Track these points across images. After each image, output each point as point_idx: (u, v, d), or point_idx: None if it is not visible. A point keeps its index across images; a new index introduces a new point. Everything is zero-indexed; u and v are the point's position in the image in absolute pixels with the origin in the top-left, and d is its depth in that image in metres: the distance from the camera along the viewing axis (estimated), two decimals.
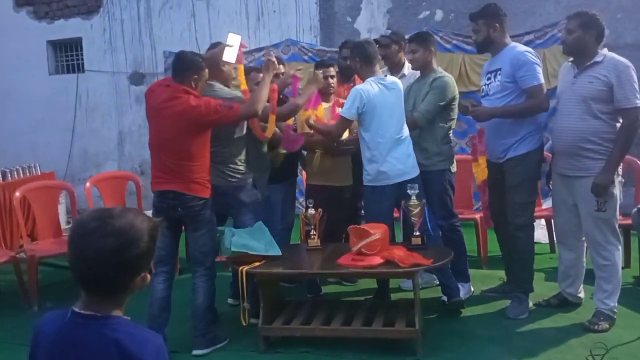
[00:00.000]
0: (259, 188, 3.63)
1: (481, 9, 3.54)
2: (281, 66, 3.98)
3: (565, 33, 3.26)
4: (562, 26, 5.50)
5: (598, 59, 3.14)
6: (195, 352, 3.22)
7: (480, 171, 3.83)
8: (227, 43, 3.29)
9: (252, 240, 3.21)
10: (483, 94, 3.67)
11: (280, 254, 3.19)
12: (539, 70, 3.38)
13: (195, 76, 3.10)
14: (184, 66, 3.11)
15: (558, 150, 3.36)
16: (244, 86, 3.53)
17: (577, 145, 3.19)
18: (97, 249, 1.21)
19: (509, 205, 3.49)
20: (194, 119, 3.02)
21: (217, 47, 3.43)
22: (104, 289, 1.26)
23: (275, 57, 3.71)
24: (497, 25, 3.46)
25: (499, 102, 3.47)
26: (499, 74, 3.47)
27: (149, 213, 4.70)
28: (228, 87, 3.48)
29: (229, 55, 3.27)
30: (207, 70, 3.18)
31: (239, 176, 3.42)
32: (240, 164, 3.44)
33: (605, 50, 3.19)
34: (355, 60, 3.61)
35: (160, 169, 3.16)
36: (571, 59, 3.32)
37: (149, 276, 1.33)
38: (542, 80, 3.38)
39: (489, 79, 3.57)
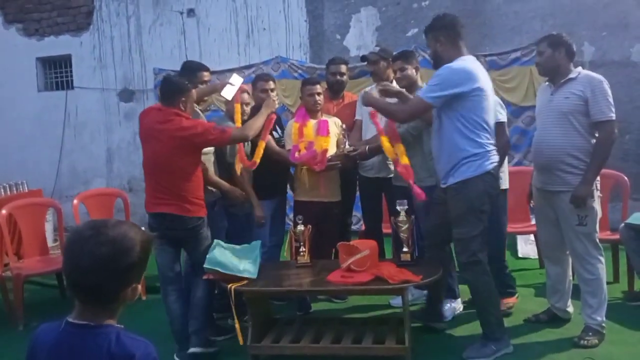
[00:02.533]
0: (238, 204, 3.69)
1: (431, 21, 3.25)
2: (271, 82, 4.00)
3: (538, 55, 3.34)
4: None
5: (572, 75, 3.22)
6: (192, 349, 3.24)
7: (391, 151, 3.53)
8: (230, 81, 3.52)
9: (232, 258, 3.18)
10: None
11: (255, 277, 3.13)
12: (438, 81, 3.03)
13: (183, 98, 3.18)
14: (171, 90, 3.20)
15: (539, 166, 3.39)
16: (238, 124, 3.56)
17: (557, 160, 3.23)
18: (91, 257, 1.25)
19: (454, 240, 3.23)
20: (188, 138, 3.10)
21: (194, 67, 3.67)
22: (96, 297, 1.29)
23: (266, 74, 3.78)
24: (442, 38, 3.13)
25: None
26: None
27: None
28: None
29: (228, 92, 3.50)
30: (194, 92, 3.28)
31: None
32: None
33: (579, 68, 3.28)
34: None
35: (156, 190, 3.21)
36: (547, 79, 3.40)
37: (139, 288, 1.36)
38: (430, 94, 3.04)
39: None
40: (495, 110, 3.33)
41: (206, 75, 3.72)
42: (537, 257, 4.94)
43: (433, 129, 3.27)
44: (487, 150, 3.08)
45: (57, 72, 7.82)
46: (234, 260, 3.18)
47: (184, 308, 3.32)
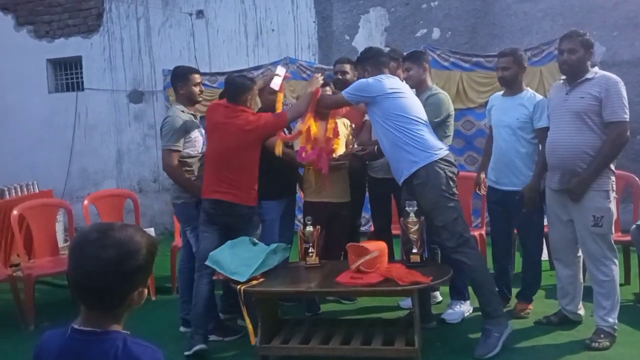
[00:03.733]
0: None
1: (360, 54, 3.67)
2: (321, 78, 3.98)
3: (567, 53, 3.22)
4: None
5: (589, 75, 3.20)
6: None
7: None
8: (277, 73, 3.74)
9: (231, 258, 3.18)
10: None
11: (243, 280, 3.10)
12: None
13: (249, 96, 3.52)
14: (237, 89, 3.51)
15: (553, 166, 3.35)
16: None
17: (573, 160, 3.20)
18: (96, 260, 1.24)
19: (436, 231, 3.34)
20: (255, 131, 3.40)
21: (185, 71, 3.76)
22: (102, 301, 1.28)
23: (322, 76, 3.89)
24: (369, 68, 3.51)
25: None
26: None
27: (149, 231, 4.72)
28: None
29: (275, 83, 3.70)
30: (255, 89, 3.64)
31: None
32: None
33: (595, 68, 3.26)
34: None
35: (218, 178, 3.44)
36: (563, 77, 3.36)
37: (145, 292, 1.35)
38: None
39: None
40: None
41: (197, 77, 3.77)
42: (547, 258, 4.90)
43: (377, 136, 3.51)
44: (425, 140, 3.31)
45: (67, 74, 7.88)
46: (231, 260, 3.17)
47: (211, 292, 3.47)
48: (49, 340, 1.34)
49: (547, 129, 3.44)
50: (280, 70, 3.76)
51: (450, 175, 3.28)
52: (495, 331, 3.17)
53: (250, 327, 3.12)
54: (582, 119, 3.18)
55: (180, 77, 3.74)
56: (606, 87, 3.13)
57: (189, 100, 3.74)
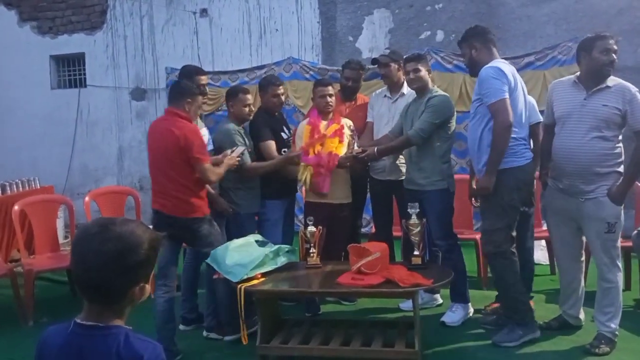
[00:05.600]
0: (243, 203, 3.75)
1: (464, 32, 3.48)
2: (282, 87, 4.01)
3: (615, 55, 3.13)
4: (563, 48, 5.59)
5: (610, 84, 3.14)
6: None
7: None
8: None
9: (231, 256, 3.17)
10: None
11: (236, 280, 3.08)
12: (499, 85, 3.16)
13: (189, 100, 3.30)
14: (178, 92, 3.34)
15: (565, 172, 3.24)
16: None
17: (589, 166, 3.14)
18: (97, 254, 1.24)
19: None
20: (186, 154, 3.21)
21: (192, 71, 3.75)
22: (104, 296, 1.28)
23: (275, 77, 3.85)
24: (478, 45, 3.35)
25: (471, 123, 3.41)
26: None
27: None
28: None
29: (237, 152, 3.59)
30: (200, 98, 3.44)
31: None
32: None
33: (612, 76, 3.19)
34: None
35: (156, 187, 3.35)
36: (574, 77, 3.27)
37: (148, 287, 1.34)
38: (504, 96, 3.15)
39: (472, 101, 3.52)
40: (532, 110, 3.54)
41: (203, 79, 3.78)
42: (547, 263, 4.90)
43: (469, 124, 3.44)
44: (518, 144, 3.24)
45: (70, 70, 7.88)
46: (228, 259, 3.16)
47: (167, 304, 3.34)
48: (52, 334, 1.34)
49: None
50: (239, 149, 3.60)
51: (520, 186, 3.25)
52: (520, 329, 3.29)
53: (243, 328, 3.11)
54: (602, 127, 3.11)
55: (186, 77, 3.74)
56: (629, 97, 3.09)
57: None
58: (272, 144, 3.84)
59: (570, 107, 3.23)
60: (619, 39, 5.64)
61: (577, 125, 3.18)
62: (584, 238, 3.39)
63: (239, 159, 3.56)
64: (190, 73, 3.77)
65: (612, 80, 3.16)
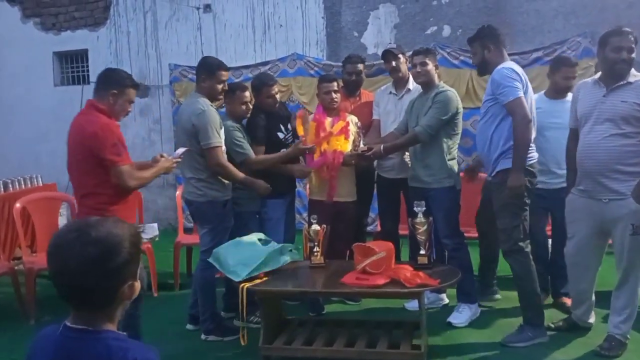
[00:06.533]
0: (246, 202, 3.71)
1: (477, 31, 3.49)
2: (276, 87, 3.93)
3: (626, 52, 3.00)
4: (572, 43, 5.50)
5: (631, 79, 3.03)
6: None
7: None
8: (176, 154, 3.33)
9: (233, 255, 3.12)
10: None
11: (238, 280, 3.02)
12: (515, 84, 3.19)
13: (115, 91, 2.91)
14: (104, 80, 2.96)
15: (586, 171, 3.14)
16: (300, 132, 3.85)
17: (609, 166, 3.04)
18: (78, 260, 1.18)
19: (497, 230, 3.38)
20: (94, 149, 2.80)
21: (214, 65, 3.55)
22: (90, 302, 1.23)
23: (269, 77, 3.90)
24: (491, 46, 3.36)
25: (482, 121, 3.41)
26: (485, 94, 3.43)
27: (152, 226, 4.63)
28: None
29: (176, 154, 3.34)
30: (132, 91, 2.98)
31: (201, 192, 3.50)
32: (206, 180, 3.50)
33: (633, 71, 3.08)
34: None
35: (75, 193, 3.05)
36: (596, 76, 3.19)
37: (137, 284, 1.28)
38: (519, 94, 3.18)
39: (483, 101, 3.50)
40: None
41: (224, 75, 3.58)
42: None
43: (479, 126, 3.46)
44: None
45: (73, 67, 7.83)
46: (231, 258, 3.10)
47: None
48: (43, 338, 1.30)
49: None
50: (180, 150, 3.36)
51: (529, 185, 3.24)
52: (530, 331, 3.29)
53: (243, 328, 3.06)
54: (621, 124, 3.01)
55: (206, 70, 3.55)
56: None
57: (209, 95, 3.54)
58: (260, 150, 3.79)
59: (590, 106, 3.14)
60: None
61: (596, 123, 3.09)
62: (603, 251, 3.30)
63: (179, 160, 3.27)
64: (211, 67, 3.54)
65: (635, 76, 3.05)
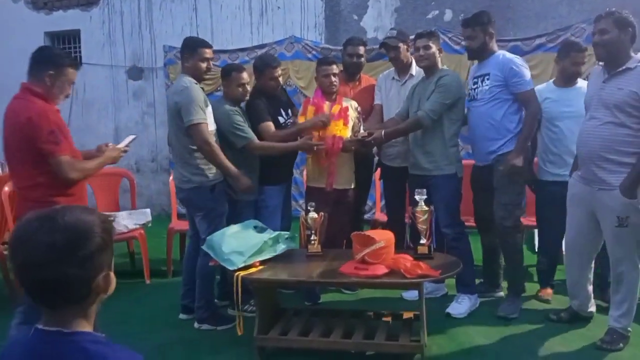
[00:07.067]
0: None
1: (477, 16, 3.53)
2: (279, 69, 3.81)
3: (598, 34, 2.95)
4: (576, 29, 5.39)
5: (631, 65, 2.90)
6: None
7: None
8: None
9: (228, 243, 3.02)
10: (470, 99, 3.60)
11: (234, 267, 2.92)
12: (529, 74, 3.48)
13: (52, 72, 2.66)
14: (38, 60, 2.70)
15: (582, 158, 3.11)
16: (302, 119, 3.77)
17: (601, 155, 2.96)
18: (44, 250, 1.07)
19: (496, 207, 3.50)
20: (17, 128, 2.60)
21: (195, 43, 3.45)
22: (62, 297, 1.10)
23: (273, 58, 3.70)
24: (492, 31, 3.50)
25: (486, 106, 3.48)
26: (487, 79, 3.47)
27: (145, 212, 4.51)
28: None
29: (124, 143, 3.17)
30: (71, 70, 2.74)
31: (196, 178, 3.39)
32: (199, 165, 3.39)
33: (639, 56, 2.95)
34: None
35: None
36: (601, 63, 3.08)
37: (113, 276, 1.17)
38: (532, 86, 3.48)
39: (475, 83, 3.54)
40: None
41: (207, 52, 3.43)
42: None
43: (478, 110, 3.53)
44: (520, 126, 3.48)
45: (65, 48, 7.62)
46: (225, 246, 3.00)
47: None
48: (13, 344, 1.18)
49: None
50: (129, 138, 3.23)
51: (529, 162, 3.54)
52: (517, 301, 3.56)
53: (240, 317, 2.98)
54: (616, 112, 2.91)
55: (188, 49, 3.44)
56: None
57: (194, 75, 3.41)
58: (270, 125, 3.65)
59: (592, 93, 3.09)
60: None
61: (595, 110, 3.02)
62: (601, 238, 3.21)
63: (127, 149, 3.07)
64: (193, 45, 3.45)
65: (637, 62, 2.91)
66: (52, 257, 1.06)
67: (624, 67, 2.92)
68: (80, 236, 1.09)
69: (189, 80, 3.35)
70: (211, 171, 3.42)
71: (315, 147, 3.58)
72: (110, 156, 2.91)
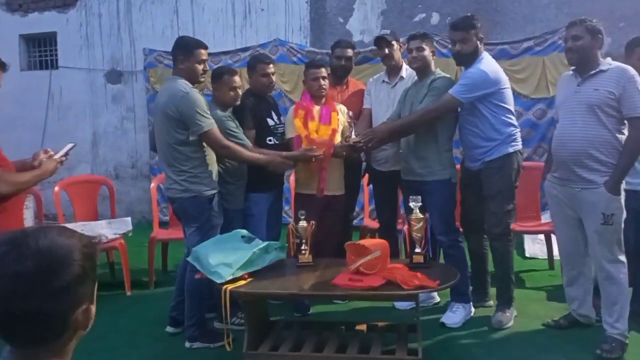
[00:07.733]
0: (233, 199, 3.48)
1: (467, 19, 3.42)
2: (272, 66, 3.68)
3: (571, 40, 3.04)
4: (563, 33, 5.33)
5: (603, 67, 3.00)
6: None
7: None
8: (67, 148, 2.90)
9: (214, 254, 2.87)
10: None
11: (221, 280, 2.77)
12: (469, 83, 3.33)
13: None
14: None
15: (561, 161, 3.14)
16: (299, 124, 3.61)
17: (582, 155, 3.00)
18: (14, 278, 0.92)
19: (486, 214, 3.43)
20: None
21: (191, 44, 3.27)
22: (33, 335, 0.95)
23: (265, 55, 3.50)
24: (482, 36, 3.41)
25: (483, 117, 3.39)
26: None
27: (125, 220, 4.31)
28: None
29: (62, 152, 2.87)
30: None
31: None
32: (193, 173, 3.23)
33: (609, 59, 3.06)
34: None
35: None
36: (572, 68, 3.14)
37: (93, 309, 1.02)
38: (463, 95, 3.33)
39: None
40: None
41: (204, 54, 3.28)
42: (545, 257, 4.71)
43: (464, 117, 3.45)
44: (517, 131, 3.44)
45: (41, 51, 7.44)
46: (212, 258, 2.85)
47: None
48: None
49: None
50: (67, 146, 2.91)
51: (519, 168, 3.42)
52: (508, 310, 3.45)
53: (226, 331, 2.87)
54: (594, 113, 2.97)
55: (183, 50, 3.26)
56: (623, 80, 2.92)
57: (189, 78, 3.24)
58: (251, 135, 3.53)
59: (566, 96, 3.16)
60: (621, 24, 5.46)
61: (570, 112, 3.10)
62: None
63: (64, 159, 2.81)
64: (189, 46, 3.26)
65: (608, 64, 3.00)
66: (21, 288, 0.92)
67: (597, 70, 3.00)
68: (55, 263, 0.94)
69: (186, 85, 3.18)
70: (210, 179, 3.27)
71: (313, 159, 3.46)
72: (47, 169, 2.62)
